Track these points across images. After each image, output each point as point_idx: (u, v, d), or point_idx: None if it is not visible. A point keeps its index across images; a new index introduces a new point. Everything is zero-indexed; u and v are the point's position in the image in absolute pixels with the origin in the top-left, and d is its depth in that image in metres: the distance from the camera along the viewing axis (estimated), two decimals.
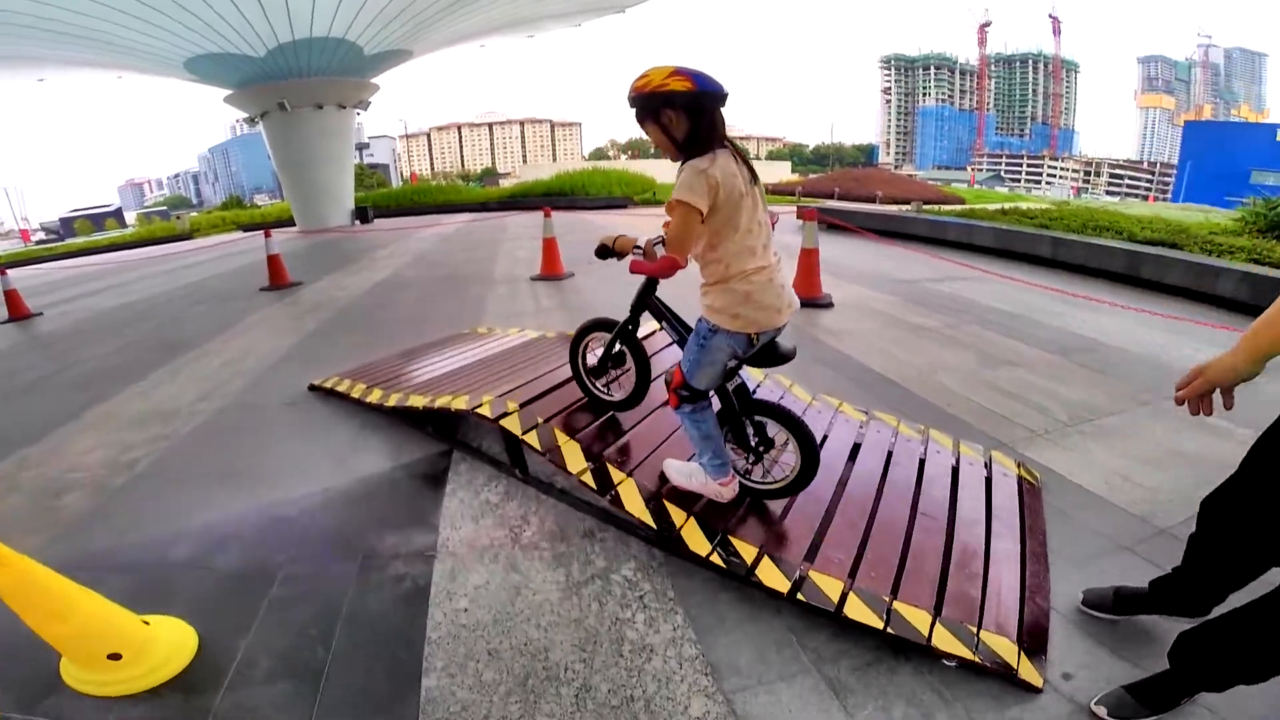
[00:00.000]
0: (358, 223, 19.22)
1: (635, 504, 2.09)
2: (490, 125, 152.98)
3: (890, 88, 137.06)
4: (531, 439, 2.30)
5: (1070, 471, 2.53)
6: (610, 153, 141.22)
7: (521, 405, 2.47)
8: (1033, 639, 1.68)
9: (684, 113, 1.67)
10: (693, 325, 1.96)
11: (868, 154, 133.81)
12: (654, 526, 2.03)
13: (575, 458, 2.24)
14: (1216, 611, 1.48)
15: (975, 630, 1.67)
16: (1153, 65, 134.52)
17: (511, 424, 2.37)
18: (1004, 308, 5.11)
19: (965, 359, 3.93)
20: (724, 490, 2.08)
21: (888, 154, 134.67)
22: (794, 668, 1.65)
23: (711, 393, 2.00)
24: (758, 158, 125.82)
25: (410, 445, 2.92)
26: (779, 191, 30.06)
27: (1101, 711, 1.46)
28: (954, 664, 1.61)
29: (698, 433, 2.01)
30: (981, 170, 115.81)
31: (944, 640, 1.64)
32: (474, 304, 5.76)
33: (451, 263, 8.45)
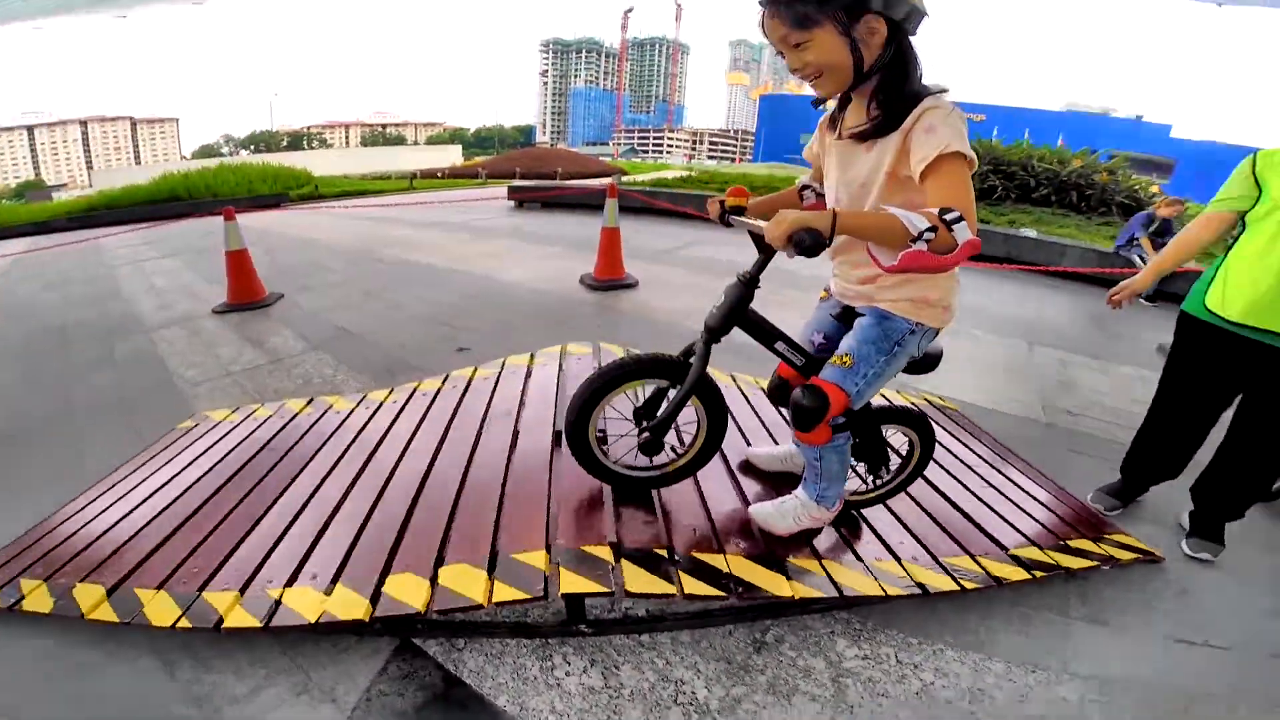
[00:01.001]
0: None
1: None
2: (30, 128, 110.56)
3: (548, 70, 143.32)
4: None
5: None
6: (225, 149, 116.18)
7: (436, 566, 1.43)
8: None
9: (888, 28, 1.09)
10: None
11: (527, 134, 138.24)
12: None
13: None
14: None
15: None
16: (739, 47, 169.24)
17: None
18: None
19: (782, 317, 3.97)
20: (828, 518, 1.61)
21: (544, 134, 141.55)
22: None
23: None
24: (416, 143, 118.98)
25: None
26: (461, 175, 28.75)
27: (1189, 548, 1.96)
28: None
29: (837, 466, 1.50)
30: (621, 145, 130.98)
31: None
32: (144, 367, 3.50)
33: (46, 309, 5.26)
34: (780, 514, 1.59)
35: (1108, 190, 10.15)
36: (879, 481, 1.72)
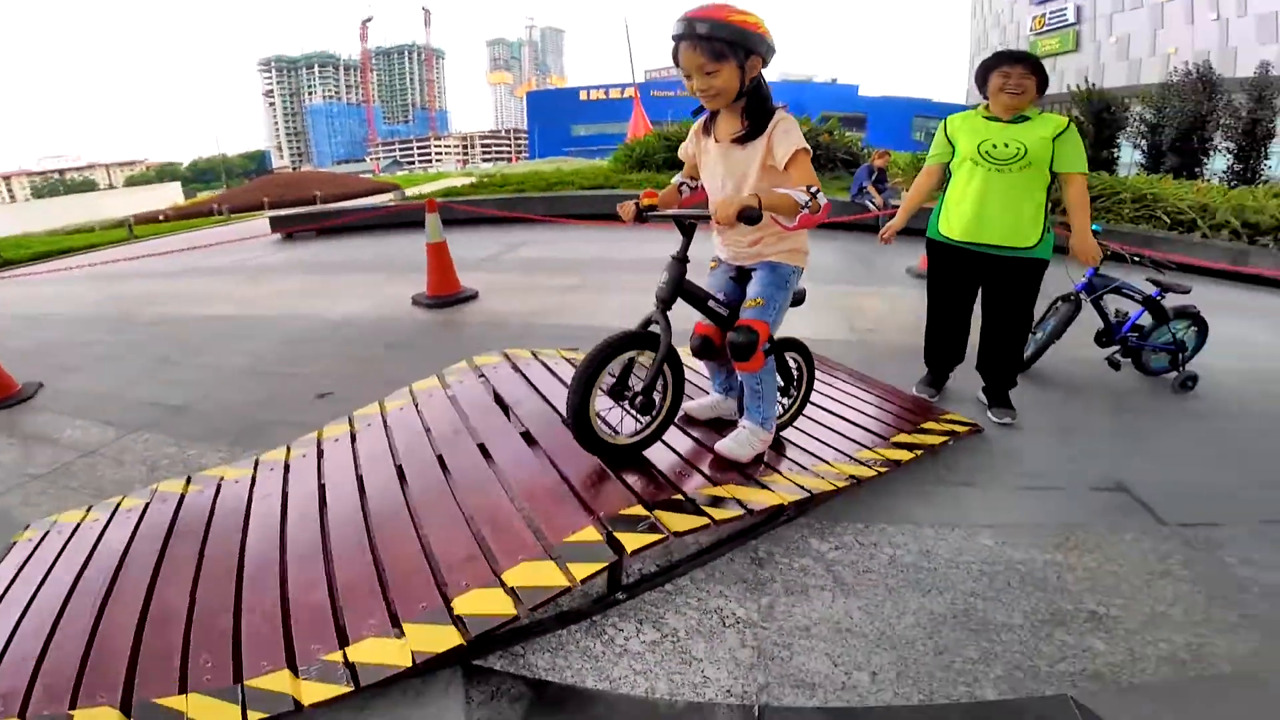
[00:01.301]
0: None
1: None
2: None
3: (273, 90, 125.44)
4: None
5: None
6: None
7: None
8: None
9: (762, 65, 1.65)
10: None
11: (259, 161, 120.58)
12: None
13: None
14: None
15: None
16: (497, 47, 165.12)
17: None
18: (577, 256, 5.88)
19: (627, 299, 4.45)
20: (768, 444, 2.02)
21: (281, 157, 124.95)
22: None
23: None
24: (112, 186, 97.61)
25: None
26: (191, 215, 24.60)
27: (993, 417, 2.74)
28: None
29: (771, 386, 1.94)
30: (380, 159, 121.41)
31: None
32: None
33: None
34: (739, 444, 1.95)
35: (832, 149, 12.30)
36: (789, 402, 2.18)
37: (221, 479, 2.09)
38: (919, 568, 1.88)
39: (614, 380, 1.77)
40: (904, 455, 2.23)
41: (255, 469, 2.12)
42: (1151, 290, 3.21)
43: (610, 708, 1.43)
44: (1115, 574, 1.87)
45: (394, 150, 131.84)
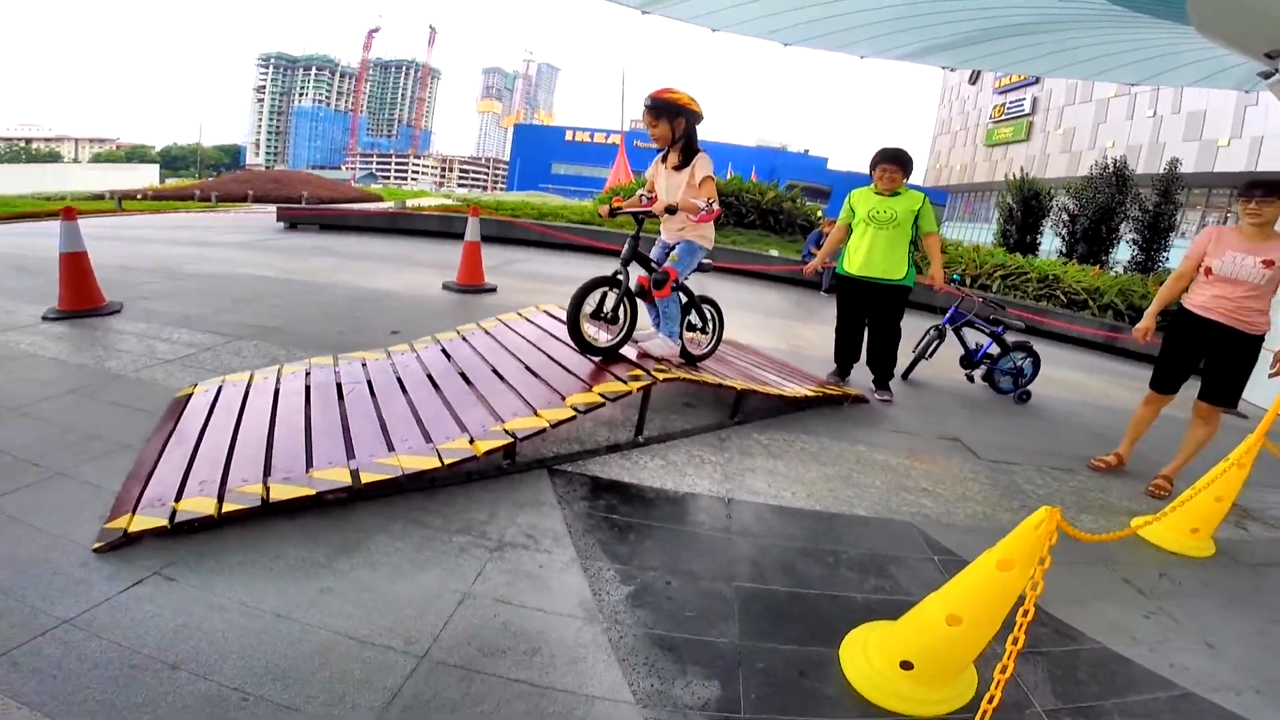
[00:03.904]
0: None
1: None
2: None
3: (265, 86, 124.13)
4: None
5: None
6: None
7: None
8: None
9: (687, 125, 2.89)
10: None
11: (233, 155, 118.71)
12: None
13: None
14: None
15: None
16: (492, 75, 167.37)
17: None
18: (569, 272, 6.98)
19: None
20: (677, 347, 3.13)
21: (257, 154, 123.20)
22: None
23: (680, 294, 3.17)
24: (78, 160, 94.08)
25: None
26: (170, 197, 24.51)
27: (876, 396, 3.98)
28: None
29: (674, 310, 3.09)
30: (357, 169, 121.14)
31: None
32: (31, 363, 3.38)
33: None
34: (654, 346, 3.06)
35: (793, 215, 13.92)
36: (707, 339, 3.42)
37: (365, 361, 3.02)
38: (818, 454, 3.02)
39: (593, 308, 2.90)
40: (816, 392, 3.40)
41: (389, 356, 3.07)
42: (996, 327, 4.54)
43: (639, 491, 2.44)
44: (941, 474, 3.02)
45: (371, 163, 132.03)
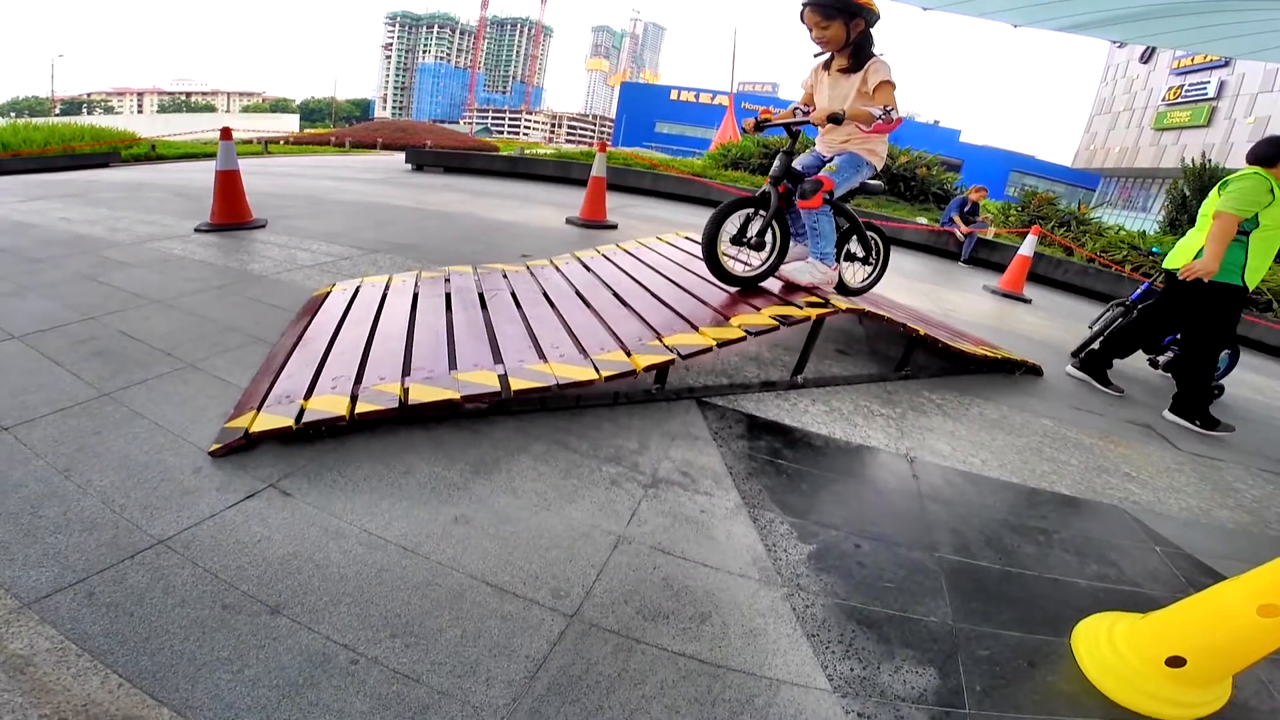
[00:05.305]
0: None
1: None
2: None
3: (392, 43, 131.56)
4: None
5: None
6: None
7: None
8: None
9: (865, 27, 2.40)
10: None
11: (364, 109, 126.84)
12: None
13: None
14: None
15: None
16: (600, 34, 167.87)
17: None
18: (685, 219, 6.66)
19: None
20: (833, 274, 2.69)
21: (384, 108, 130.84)
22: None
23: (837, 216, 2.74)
24: (228, 111, 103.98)
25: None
26: (309, 142, 26.48)
27: (1171, 416, 3.11)
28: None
29: (826, 227, 2.61)
30: (474, 124, 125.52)
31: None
32: (186, 266, 3.00)
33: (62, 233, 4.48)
34: (799, 271, 2.64)
35: (926, 182, 12.69)
36: (870, 269, 2.97)
37: (505, 272, 2.89)
38: (999, 421, 2.59)
39: (736, 231, 2.53)
40: (988, 352, 2.99)
41: (529, 269, 2.92)
42: None
43: (805, 436, 2.14)
44: (1141, 461, 2.53)
45: (486, 117, 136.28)
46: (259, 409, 1.77)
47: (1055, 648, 1.41)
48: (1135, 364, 4.18)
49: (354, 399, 1.81)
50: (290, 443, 1.72)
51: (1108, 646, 1.38)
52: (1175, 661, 1.28)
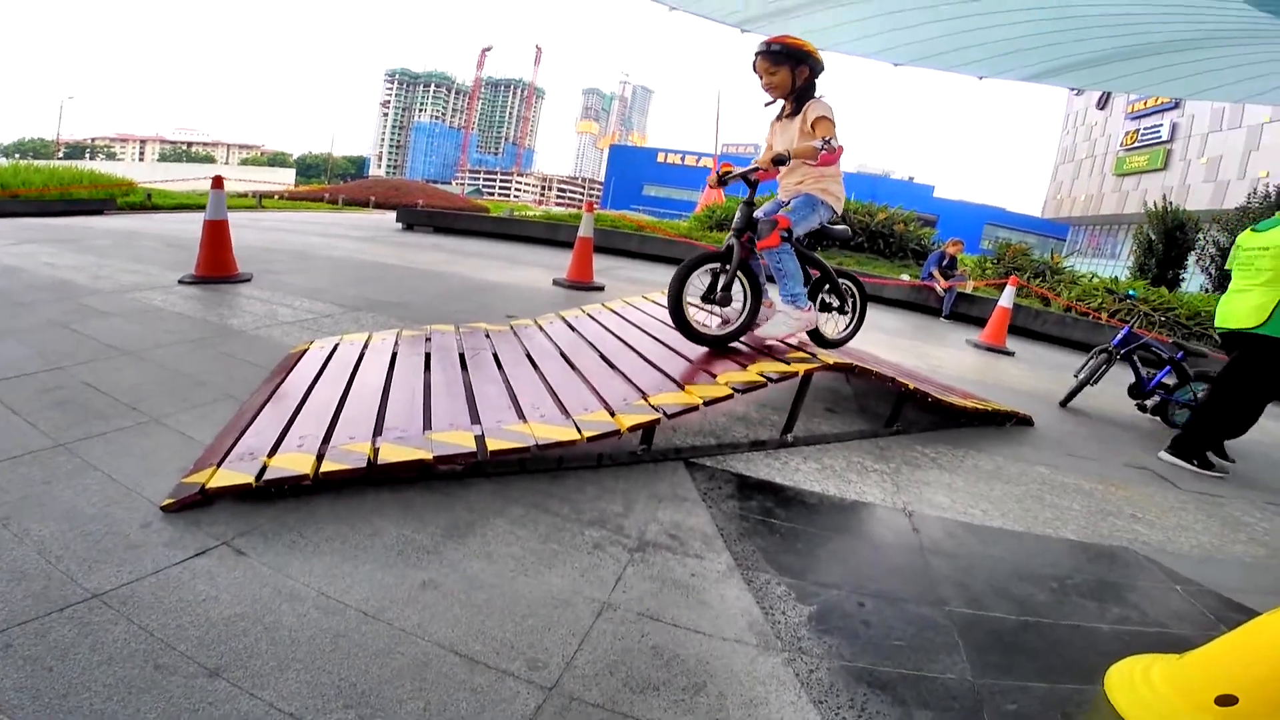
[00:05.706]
0: None
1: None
2: None
3: (390, 101, 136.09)
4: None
5: None
6: None
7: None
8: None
9: (810, 75, 2.52)
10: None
11: (359, 165, 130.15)
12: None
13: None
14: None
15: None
16: (591, 96, 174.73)
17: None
18: (657, 280, 6.74)
19: None
20: (809, 316, 2.65)
21: (379, 166, 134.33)
22: None
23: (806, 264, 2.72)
24: (227, 163, 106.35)
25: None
26: (304, 198, 26.95)
27: (1168, 456, 3.14)
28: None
29: (791, 266, 2.58)
30: (466, 184, 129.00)
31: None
32: (166, 318, 2.90)
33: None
34: (774, 325, 2.62)
35: (904, 238, 13.04)
36: (848, 319, 2.93)
37: (488, 331, 2.85)
38: (995, 472, 2.55)
39: (704, 289, 2.50)
40: (977, 405, 2.96)
41: (513, 329, 2.88)
42: (1176, 354, 3.87)
43: (798, 494, 2.07)
44: (1144, 502, 2.51)
45: (478, 178, 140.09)
46: (219, 465, 1.68)
47: (1087, 696, 1.35)
48: (1117, 405, 4.24)
49: (320, 458, 1.72)
50: (249, 500, 1.62)
51: (1147, 690, 1.32)
52: (1226, 700, 1.23)
